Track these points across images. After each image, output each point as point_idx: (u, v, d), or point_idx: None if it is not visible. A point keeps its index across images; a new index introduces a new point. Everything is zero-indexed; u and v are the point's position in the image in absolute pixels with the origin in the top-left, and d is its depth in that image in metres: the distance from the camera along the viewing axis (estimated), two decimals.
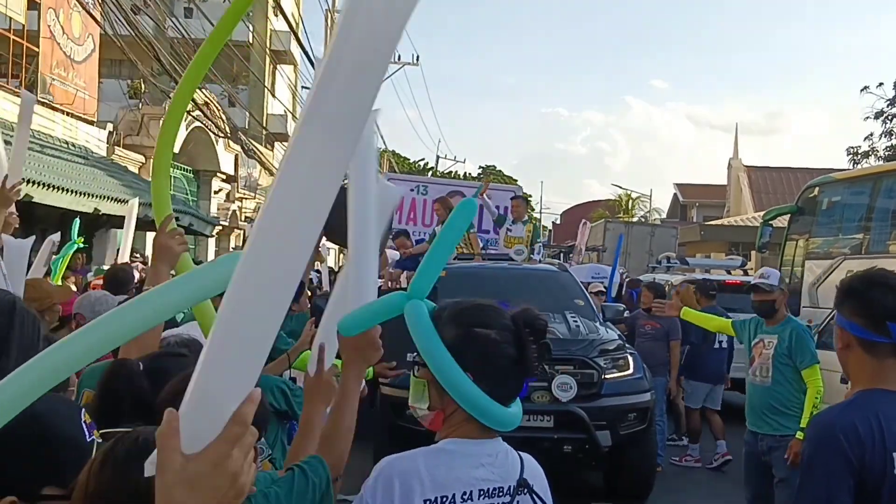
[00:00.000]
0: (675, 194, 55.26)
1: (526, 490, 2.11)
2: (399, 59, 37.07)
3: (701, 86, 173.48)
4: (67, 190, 13.51)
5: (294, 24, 27.13)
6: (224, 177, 26.99)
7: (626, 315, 10.69)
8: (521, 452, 2.18)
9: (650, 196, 54.33)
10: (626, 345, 8.37)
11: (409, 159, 66.45)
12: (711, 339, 9.72)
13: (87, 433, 1.70)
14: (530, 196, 12.57)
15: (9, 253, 3.40)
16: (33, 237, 4.06)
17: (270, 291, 1.06)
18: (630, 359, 7.94)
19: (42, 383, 1.36)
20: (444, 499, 2.03)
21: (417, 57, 44.25)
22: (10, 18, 16.47)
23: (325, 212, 1.05)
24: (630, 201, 53.28)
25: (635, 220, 47.09)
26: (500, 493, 2.09)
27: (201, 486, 1.05)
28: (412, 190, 12.71)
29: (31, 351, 1.87)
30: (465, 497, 2.04)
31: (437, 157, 54.79)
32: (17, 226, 4.37)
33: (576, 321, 8.24)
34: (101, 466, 1.48)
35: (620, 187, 54.88)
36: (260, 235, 1.05)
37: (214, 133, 23.83)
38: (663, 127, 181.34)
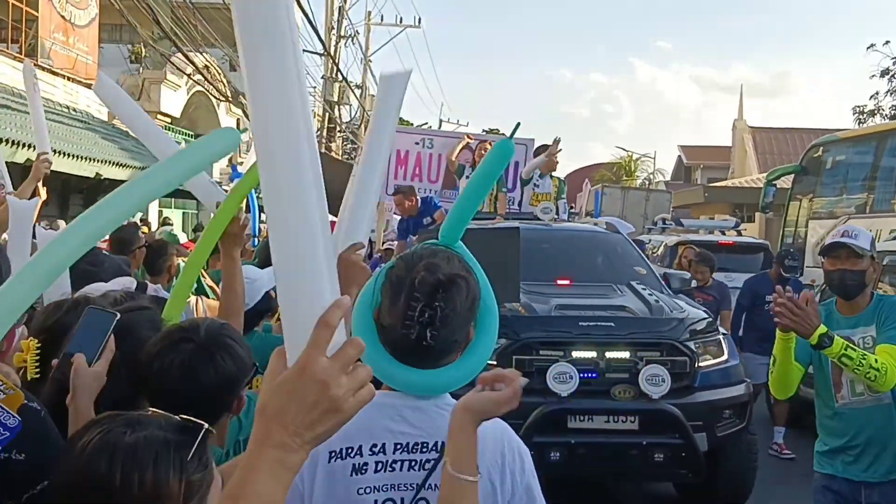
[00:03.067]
0: (679, 156, 55.00)
1: None
2: (401, 21, 36.74)
3: (706, 47, 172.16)
4: (69, 154, 13.47)
5: None
6: None
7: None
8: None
9: (654, 158, 54.03)
10: (717, 323, 7.04)
11: (411, 123, 66.04)
12: (762, 299, 8.12)
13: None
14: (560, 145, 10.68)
15: (14, 214, 3.39)
16: (38, 199, 4.04)
17: (305, 197, 1.09)
18: (724, 342, 6.54)
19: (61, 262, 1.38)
20: (350, 450, 1.86)
21: (419, 19, 43.79)
22: None
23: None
24: (633, 163, 53.05)
25: (638, 182, 46.94)
26: (424, 449, 1.87)
27: (288, 389, 1.05)
28: (416, 143, 12.15)
29: None
30: (376, 450, 1.86)
31: (441, 120, 54.47)
32: (45, 198, 4.33)
33: (651, 295, 6.81)
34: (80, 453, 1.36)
35: (624, 149, 54.56)
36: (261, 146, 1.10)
37: (216, 97, 23.71)
38: (668, 89, 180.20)
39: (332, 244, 1.13)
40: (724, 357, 6.41)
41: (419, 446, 1.88)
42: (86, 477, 1.32)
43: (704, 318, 6.60)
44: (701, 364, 6.20)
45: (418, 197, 9.77)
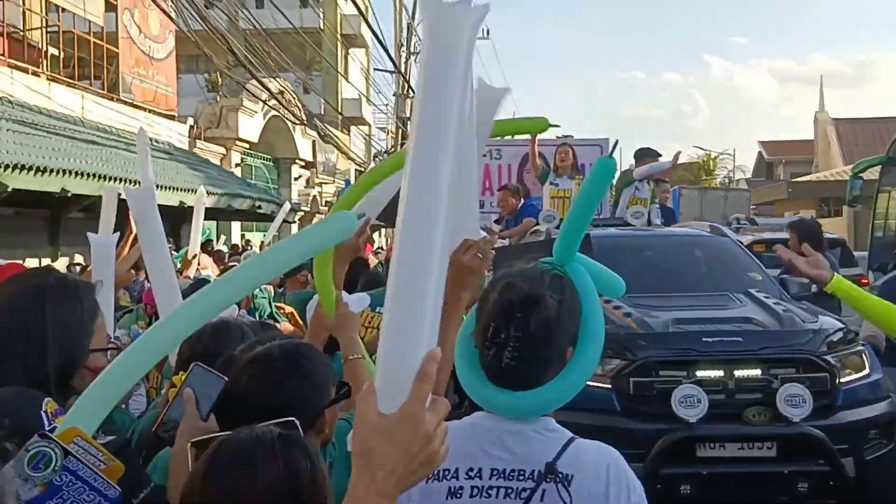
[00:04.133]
0: (759, 152, 53.82)
1: (554, 479, 1.80)
2: None
3: (782, 39, 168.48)
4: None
5: (363, 7, 27.21)
6: (303, 163, 27.32)
7: None
8: (586, 440, 1.88)
9: (733, 155, 52.96)
10: (855, 333, 6.33)
11: None
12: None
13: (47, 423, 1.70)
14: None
15: (95, 250, 3.47)
16: (118, 234, 4.16)
17: (431, 259, 1.15)
18: (865, 354, 5.85)
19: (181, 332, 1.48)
20: (447, 472, 1.83)
21: (488, 31, 43.84)
22: (90, 22, 16.92)
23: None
24: (711, 162, 52.08)
25: (718, 181, 46.01)
26: (521, 477, 1.82)
27: (395, 438, 1.10)
28: (483, 156, 11.84)
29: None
30: (472, 474, 1.83)
31: None
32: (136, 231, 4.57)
33: (777, 304, 6.18)
34: (203, 476, 1.51)
35: (702, 148, 53.57)
36: (409, 208, 1.17)
37: (291, 121, 24.13)
38: (745, 84, 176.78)
39: (441, 291, 1.18)
40: (867, 371, 5.74)
41: (516, 473, 1.83)
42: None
43: (840, 328, 5.90)
44: (842, 380, 5.55)
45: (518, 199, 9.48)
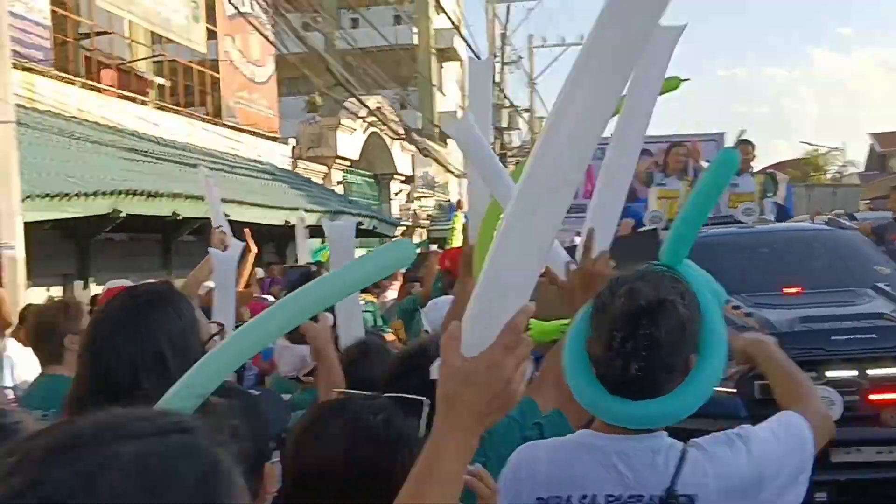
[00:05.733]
0: (871, 145, 51.76)
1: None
2: (563, 40, 36.49)
3: (889, 29, 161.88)
4: (258, 205, 14.14)
5: (456, 20, 27.32)
6: (402, 178, 27.54)
7: None
8: (698, 452, 1.77)
9: (843, 150, 51.08)
10: None
11: None
12: None
13: None
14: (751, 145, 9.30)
15: (217, 266, 3.50)
16: (242, 243, 4.21)
17: (541, 212, 1.18)
18: None
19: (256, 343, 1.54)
20: (558, 500, 1.78)
21: (583, 37, 43.52)
22: (193, 50, 17.44)
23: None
24: (820, 158, 50.33)
25: (828, 177, 44.46)
26: (638, 503, 1.74)
27: (476, 382, 1.17)
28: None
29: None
30: (587, 501, 1.76)
31: None
32: (255, 251, 4.68)
33: None
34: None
35: (809, 144, 51.89)
36: (536, 165, 1.17)
37: (390, 136, 24.37)
38: (853, 76, 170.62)
39: (546, 250, 1.22)
40: None
41: (633, 499, 1.75)
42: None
43: None
44: None
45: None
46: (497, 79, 27.20)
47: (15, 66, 9.71)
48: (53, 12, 13.53)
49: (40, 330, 3.66)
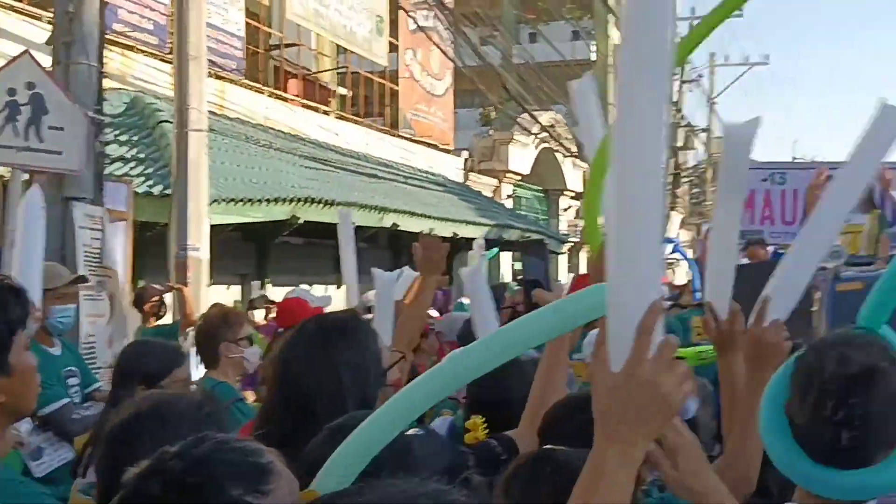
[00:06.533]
0: None
1: None
2: (747, 59, 35.26)
3: None
4: (429, 216, 14.38)
5: None
6: (572, 194, 27.34)
7: None
8: None
9: None
10: None
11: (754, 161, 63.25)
12: None
13: None
14: None
15: (379, 286, 3.54)
16: (405, 267, 4.27)
17: (639, 206, 1.15)
18: None
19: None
20: None
21: (768, 56, 41.90)
22: (374, 62, 17.98)
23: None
24: None
25: None
26: None
27: (620, 394, 1.18)
28: (764, 180, 10.65)
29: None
30: None
31: (793, 158, 51.48)
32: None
33: None
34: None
35: None
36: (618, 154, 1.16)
37: (562, 153, 24.27)
38: None
39: (662, 254, 1.20)
40: None
41: None
42: None
43: None
44: None
45: (767, 249, 8.56)
46: (673, 97, 26.58)
47: (209, 74, 10.30)
48: (247, 24, 14.28)
49: (201, 335, 3.92)
